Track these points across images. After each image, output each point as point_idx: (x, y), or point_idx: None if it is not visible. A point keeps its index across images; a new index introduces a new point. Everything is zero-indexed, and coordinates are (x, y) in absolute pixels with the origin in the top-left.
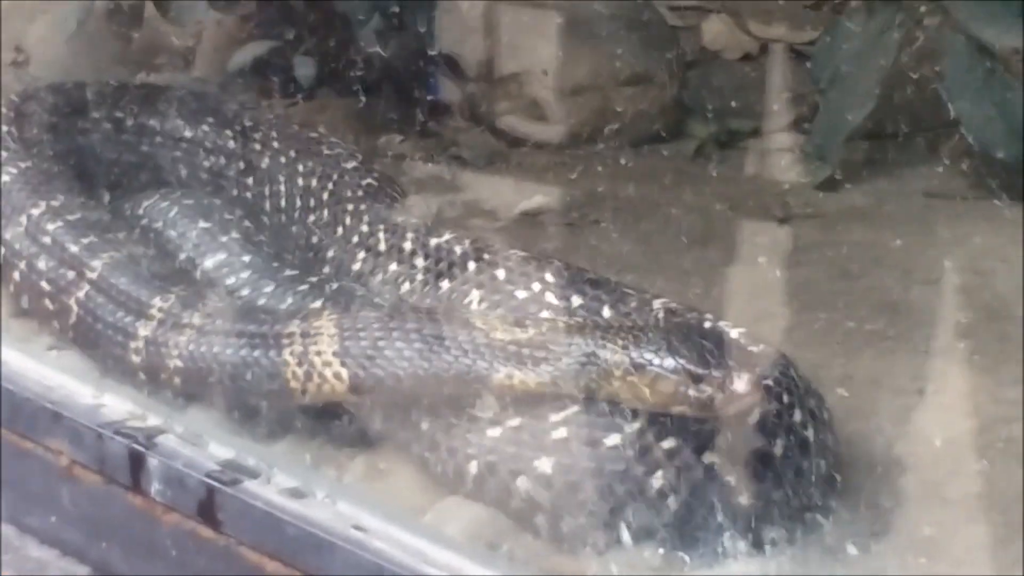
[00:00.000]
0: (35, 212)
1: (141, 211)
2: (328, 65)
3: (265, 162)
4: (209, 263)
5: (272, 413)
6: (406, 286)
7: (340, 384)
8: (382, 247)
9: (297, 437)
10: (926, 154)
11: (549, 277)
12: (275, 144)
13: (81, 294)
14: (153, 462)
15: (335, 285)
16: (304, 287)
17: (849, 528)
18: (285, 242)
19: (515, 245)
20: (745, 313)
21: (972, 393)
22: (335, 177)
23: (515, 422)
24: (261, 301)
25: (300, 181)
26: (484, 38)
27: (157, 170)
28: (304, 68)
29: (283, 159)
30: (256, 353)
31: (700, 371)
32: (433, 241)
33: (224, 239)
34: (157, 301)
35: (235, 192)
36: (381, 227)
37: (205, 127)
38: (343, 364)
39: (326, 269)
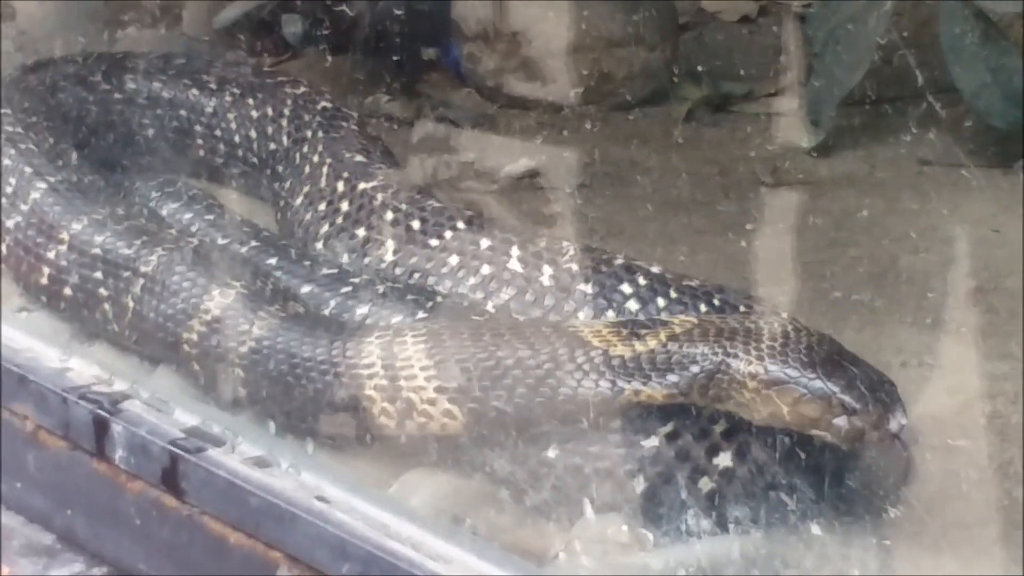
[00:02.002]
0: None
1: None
2: (316, 23)
3: (212, 104)
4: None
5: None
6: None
7: (453, 421)
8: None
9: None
10: (921, 121)
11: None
12: (226, 88)
13: (136, 289)
14: (118, 428)
15: (381, 288)
16: (347, 288)
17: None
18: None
19: (510, 209)
20: (729, 280)
21: (957, 367)
22: (289, 104)
23: (667, 428)
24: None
25: (253, 114)
26: None
27: (125, 130)
28: (292, 26)
29: (228, 97)
30: (328, 381)
31: (854, 403)
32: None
33: (243, 249)
34: (216, 295)
35: (200, 152)
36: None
37: (167, 86)
38: (452, 401)
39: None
